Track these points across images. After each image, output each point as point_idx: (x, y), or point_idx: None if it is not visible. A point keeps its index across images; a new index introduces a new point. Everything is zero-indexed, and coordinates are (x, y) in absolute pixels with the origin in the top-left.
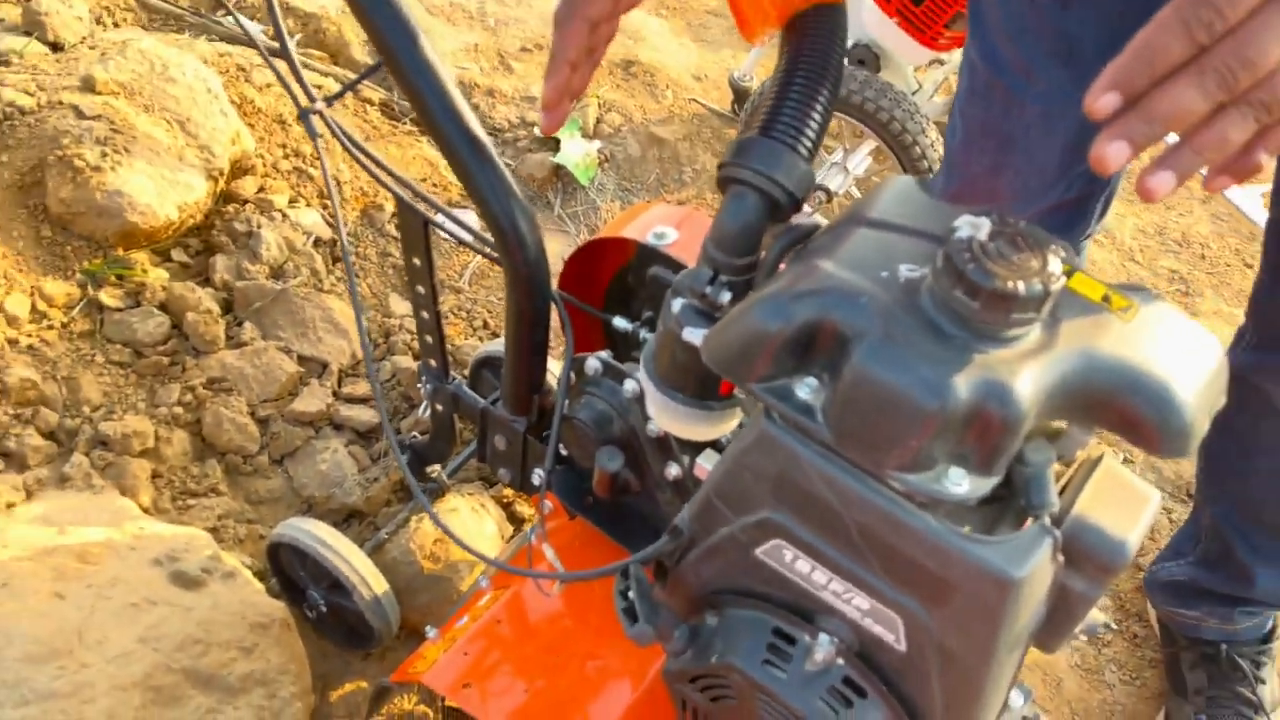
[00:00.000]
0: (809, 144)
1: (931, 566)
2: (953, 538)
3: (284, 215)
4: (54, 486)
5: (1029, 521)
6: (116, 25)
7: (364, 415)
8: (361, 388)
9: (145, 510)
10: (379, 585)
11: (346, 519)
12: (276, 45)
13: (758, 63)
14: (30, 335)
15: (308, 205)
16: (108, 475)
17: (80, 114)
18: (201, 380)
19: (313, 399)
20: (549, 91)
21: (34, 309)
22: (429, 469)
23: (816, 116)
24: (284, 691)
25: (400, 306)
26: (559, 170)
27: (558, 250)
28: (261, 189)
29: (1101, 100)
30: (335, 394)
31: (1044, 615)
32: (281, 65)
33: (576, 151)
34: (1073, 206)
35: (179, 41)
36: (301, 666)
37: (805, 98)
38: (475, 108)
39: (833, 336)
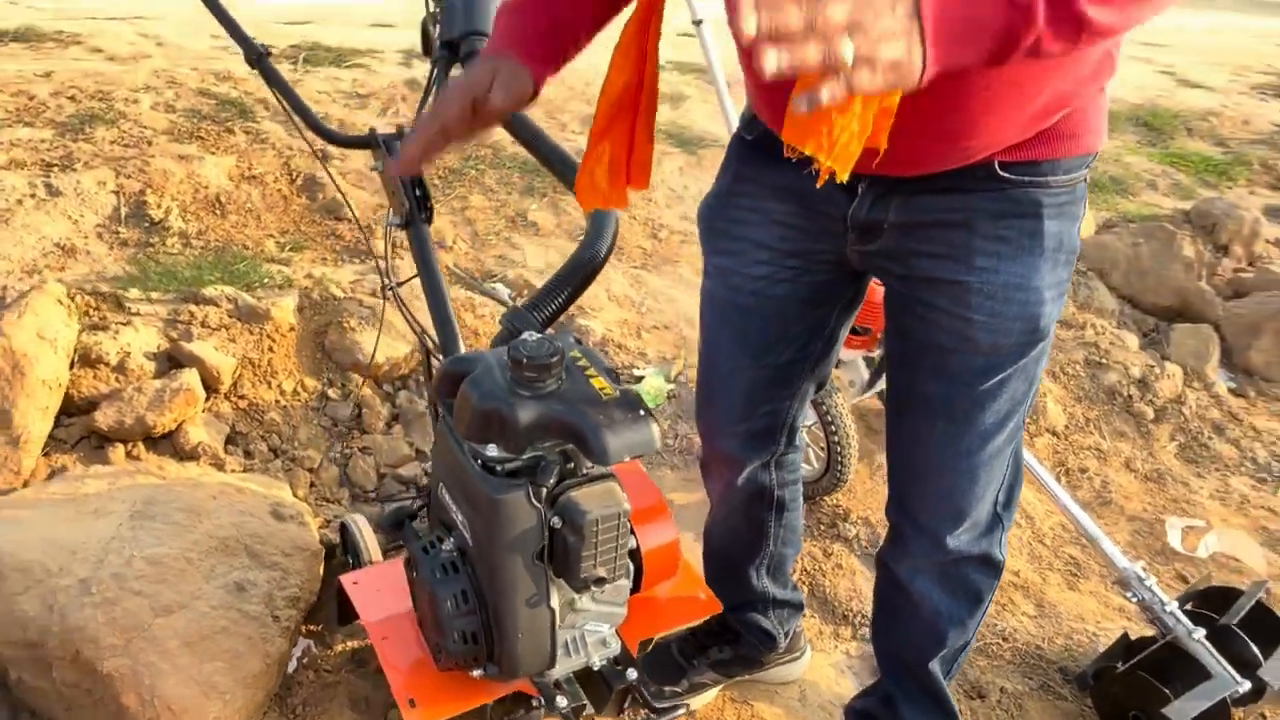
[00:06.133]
0: (546, 313)
1: (471, 490)
2: (479, 475)
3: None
4: (260, 470)
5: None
6: None
7: None
8: None
9: (297, 497)
10: (377, 555)
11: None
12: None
13: None
14: (287, 399)
15: None
16: (287, 475)
17: (360, 304)
18: (359, 445)
19: (409, 469)
20: (411, 152)
21: (295, 389)
22: None
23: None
24: (291, 584)
25: None
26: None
27: None
28: None
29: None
30: (426, 471)
31: (551, 551)
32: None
33: (655, 386)
34: (762, 434)
35: None
36: (312, 577)
37: (560, 289)
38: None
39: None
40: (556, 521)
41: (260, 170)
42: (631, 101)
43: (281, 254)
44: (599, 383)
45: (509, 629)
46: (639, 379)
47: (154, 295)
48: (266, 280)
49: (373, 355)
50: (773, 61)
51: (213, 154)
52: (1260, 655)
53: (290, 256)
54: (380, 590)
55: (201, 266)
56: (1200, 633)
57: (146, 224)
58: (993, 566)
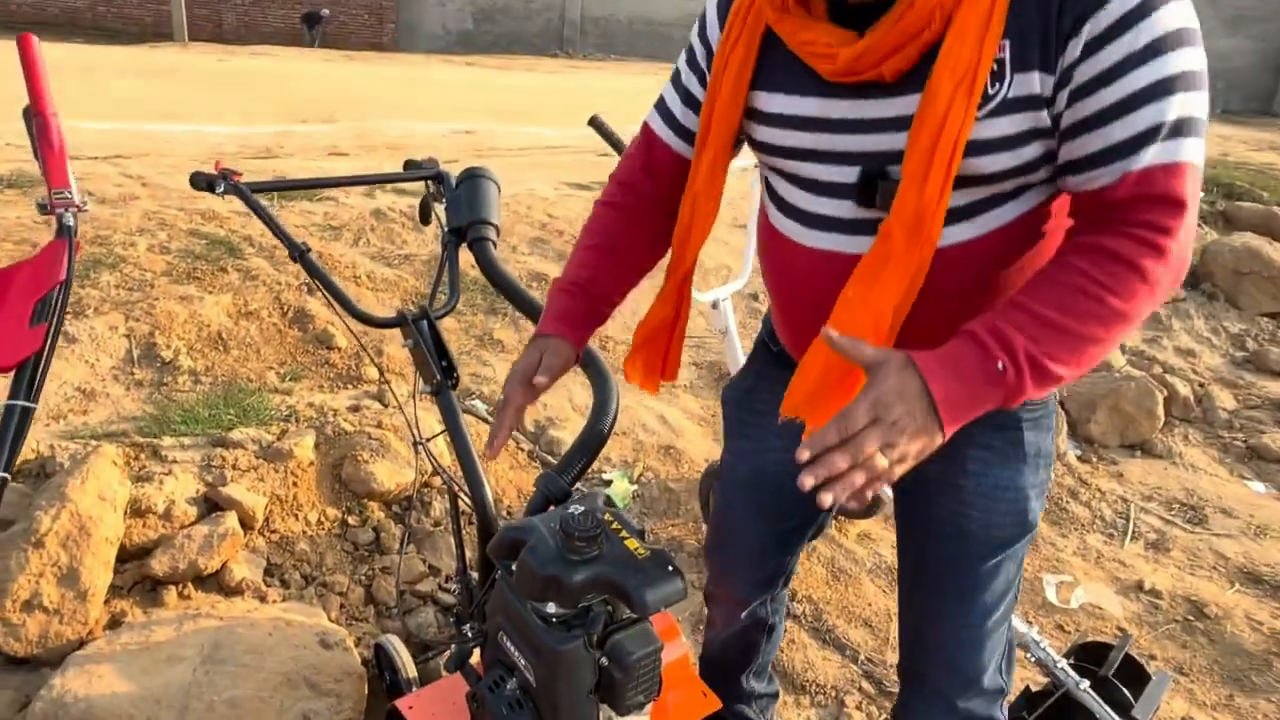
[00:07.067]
0: (571, 476)
1: (534, 641)
2: (542, 630)
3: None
4: (296, 599)
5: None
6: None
7: (450, 599)
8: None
9: (331, 619)
10: (412, 672)
11: (424, 647)
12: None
13: None
14: (313, 529)
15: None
16: (320, 600)
17: (369, 437)
18: (379, 566)
19: (426, 584)
20: (499, 441)
21: (319, 519)
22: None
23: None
24: (346, 708)
25: None
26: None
27: None
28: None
29: (801, 453)
30: (441, 585)
31: (599, 684)
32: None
33: (621, 489)
34: (766, 581)
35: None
36: (360, 699)
37: (580, 455)
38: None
39: (521, 544)
40: (605, 661)
41: (255, 306)
42: (668, 328)
43: (282, 384)
44: (632, 544)
45: None
46: (607, 482)
47: (185, 441)
48: (274, 413)
49: (414, 490)
50: (830, 498)
51: (210, 293)
52: (1131, 698)
53: (291, 386)
54: (435, 714)
55: (215, 405)
56: (1085, 683)
57: (158, 364)
58: None
